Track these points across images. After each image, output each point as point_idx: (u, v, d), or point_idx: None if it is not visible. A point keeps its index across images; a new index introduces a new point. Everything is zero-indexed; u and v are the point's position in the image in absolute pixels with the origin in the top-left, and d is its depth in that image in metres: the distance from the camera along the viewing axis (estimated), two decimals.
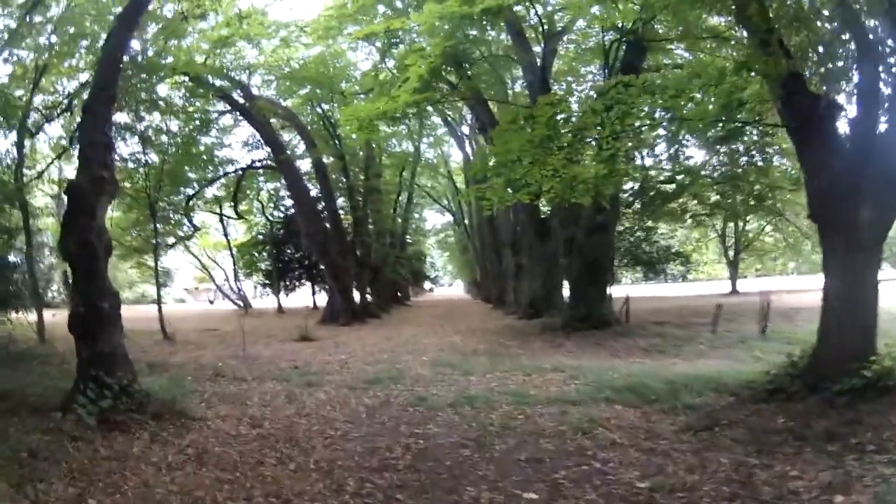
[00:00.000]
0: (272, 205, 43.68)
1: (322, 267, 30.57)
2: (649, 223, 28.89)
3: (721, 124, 8.95)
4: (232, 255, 43.80)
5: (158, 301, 22.67)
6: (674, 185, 13.38)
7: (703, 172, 12.12)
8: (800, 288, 32.08)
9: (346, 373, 12.62)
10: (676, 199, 13.35)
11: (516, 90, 31.28)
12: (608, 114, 8.30)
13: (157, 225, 26.93)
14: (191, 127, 27.79)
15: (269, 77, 30.17)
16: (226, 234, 42.95)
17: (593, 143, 9.14)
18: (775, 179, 12.07)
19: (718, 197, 12.16)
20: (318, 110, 31.69)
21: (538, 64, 21.35)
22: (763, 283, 46.22)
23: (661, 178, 11.72)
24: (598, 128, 8.46)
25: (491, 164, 9.01)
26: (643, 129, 8.90)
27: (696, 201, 14.28)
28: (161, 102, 22.94)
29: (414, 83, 17.77)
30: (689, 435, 7.11)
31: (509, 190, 10.22)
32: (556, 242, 24.02)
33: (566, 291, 24.77)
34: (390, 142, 41.24)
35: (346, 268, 28.92)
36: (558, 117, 8.43)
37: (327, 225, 29.98)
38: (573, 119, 8.49)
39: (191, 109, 27.60)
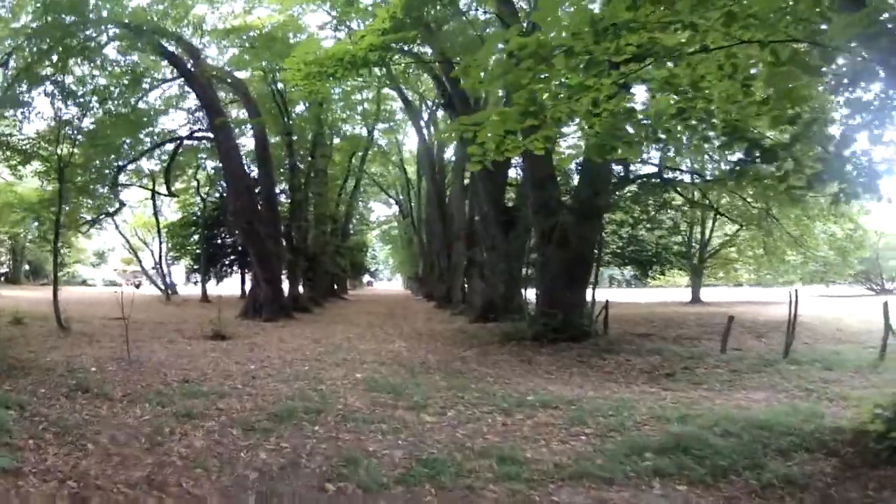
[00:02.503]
0: (209, 184, 39.41)
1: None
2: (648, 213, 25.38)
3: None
4: (160, 236, 39.33)
5: (55, 283, 18.60)
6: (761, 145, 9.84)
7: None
8: (768, 300, 29.92)
9: (247, 395, 8.83)
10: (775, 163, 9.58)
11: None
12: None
13: (83, 199, 26.10)
14: (124, 82, 23.78)
15: (224, 45, 26.62)
16: (156, 213, 38.42)
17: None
18: None
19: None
20: (274, 88, 28.59)
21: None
22: (723, 293, 43.99)
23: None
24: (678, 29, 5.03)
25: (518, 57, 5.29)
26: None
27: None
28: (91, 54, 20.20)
29: (383, 24, 14.30)
30: None
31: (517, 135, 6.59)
32: (523, 236, 20.90)
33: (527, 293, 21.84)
34: (343, 126, 39.57)
35: (276, 254, 24.96)
36: None
37: (259, 204, 26.01)
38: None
39: (121, 70, 23.61)
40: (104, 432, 6.72)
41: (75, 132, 19.65)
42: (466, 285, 30.83)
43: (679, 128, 6.26)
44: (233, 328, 18.38)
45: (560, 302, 15.40)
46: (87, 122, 21.92)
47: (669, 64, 6.06)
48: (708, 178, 21.83)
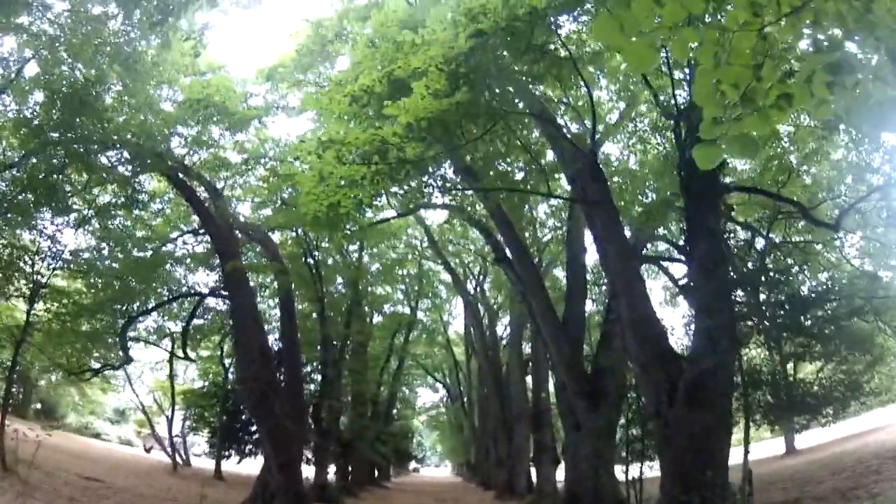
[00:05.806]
0: (234, 354, 35.32)
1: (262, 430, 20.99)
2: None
3: None
4: (172, 401, 34.96)
5: (2, 419, 15.33)
6: None
7: None
8: (856, 431, 24.92)
9: None
10: None
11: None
12: None
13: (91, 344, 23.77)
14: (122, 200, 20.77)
15: (255, 199, 24.30)
16: (171, 377, 34.23)
17: None
18: None
19: None
20: (309, 260, 25.76)
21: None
22: (806, 437, 35.35)
23: None
24: None
25: None
26: None
27: None
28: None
29: (422, 99, 10.80)
30: None
31: None
32: (615, 408, 16.54)
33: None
34: (384, 306, 38.26)
35: (294, 435, 19.86)
36: None
37: (280, 375, 21.57)
38: None
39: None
40: None
41: (60, 253, 18.76)
42: (535, 472, 25.44)
43: None
44: None
45: (694, 482, 10.26)
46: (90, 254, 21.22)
47: None
48: None
